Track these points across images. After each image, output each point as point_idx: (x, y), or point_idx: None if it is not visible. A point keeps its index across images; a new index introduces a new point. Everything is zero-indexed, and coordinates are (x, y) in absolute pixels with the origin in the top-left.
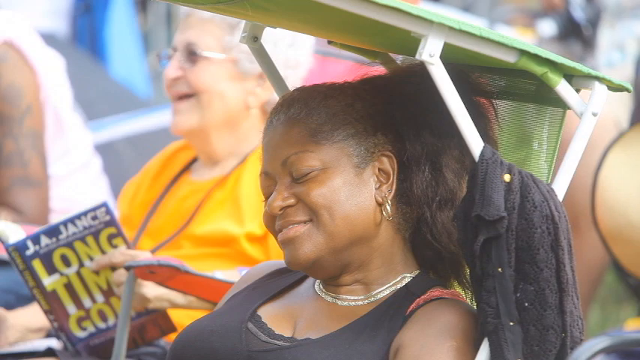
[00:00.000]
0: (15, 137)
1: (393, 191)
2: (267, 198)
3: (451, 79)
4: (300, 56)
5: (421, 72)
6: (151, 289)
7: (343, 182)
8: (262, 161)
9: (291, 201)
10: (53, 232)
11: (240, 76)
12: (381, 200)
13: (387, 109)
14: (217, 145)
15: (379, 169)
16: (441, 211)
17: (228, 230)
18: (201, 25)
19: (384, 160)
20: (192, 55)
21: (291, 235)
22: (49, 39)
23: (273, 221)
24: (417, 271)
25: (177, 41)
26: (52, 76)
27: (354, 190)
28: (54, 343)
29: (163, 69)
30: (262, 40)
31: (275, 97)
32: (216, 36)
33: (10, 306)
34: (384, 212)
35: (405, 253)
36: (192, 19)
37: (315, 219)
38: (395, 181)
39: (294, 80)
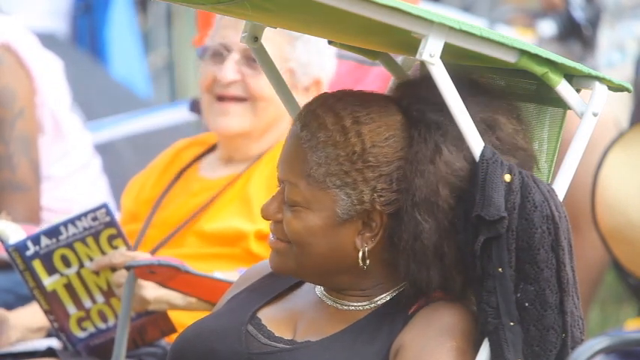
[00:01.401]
0: (5, 141)
1: (377, 241)
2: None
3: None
4: (312, 56)
5: None
6: (151, 291)
7: (321, 226)
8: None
9: (279, 217)
10: (53, 232)
11: (293, 86)
12: (359, 247)
13: (398, 163)
14: (251, 147)
15: (369, 217)
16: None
17: (239, 227)
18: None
19: (375, 214)
20: (253, 62)
21: (272, 246)
22: (49, 39)
23: None
24: None
25: (231, 42)
26: (49, 79)
27: (331, 236)
28: (54, 343)
29: (205, 60)
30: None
31: None
32: (277, 45)
33: (9, 306)
34: (362, 260)
35: (399, 276)
36: None
37: (290, 246)
38: (380, 233)
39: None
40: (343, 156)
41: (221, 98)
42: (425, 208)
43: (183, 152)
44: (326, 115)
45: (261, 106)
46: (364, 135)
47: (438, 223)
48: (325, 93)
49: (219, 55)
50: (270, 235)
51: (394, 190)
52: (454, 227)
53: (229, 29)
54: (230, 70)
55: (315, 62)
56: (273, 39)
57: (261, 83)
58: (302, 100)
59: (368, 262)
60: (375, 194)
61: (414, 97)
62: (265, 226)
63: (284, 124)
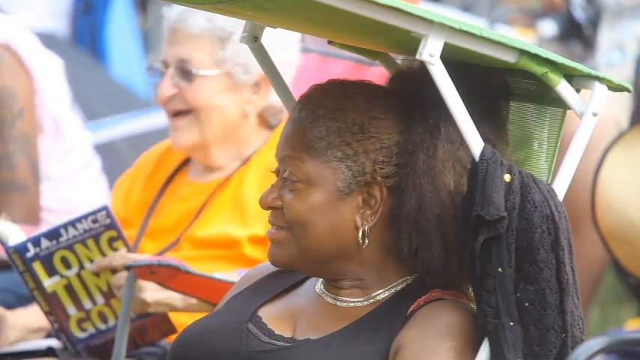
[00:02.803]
0: (5, 140)
1: (377, 219)
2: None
3: (452, 79)
4: (291, 57)
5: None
6: (151, 294)
7: (323, 203)
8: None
9: (278, 203)
10: (54, 234)
11: (235, 88)
12: (359, 226)
13: (398, 137)
14: (218, 156)
15: (368, 193)
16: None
17: (231, 233)
18: (191, 41)
19: (375, 187)
20: (186, 73)
21: (272, 237)
22: (49, 39)
23: None
24: (416, 274)
25: (167, 56)
26: (49, 79)
27: (333, 212)
28: (54, 343)
29: (155, 84)
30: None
31: (272, 101)
32: (207, 51)
33: (9, 306)
34: (362, 239)
35: (399, 263)
36: (181, 34)
37: (291, 230)
38: (380, 209)
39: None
40: (343, 127)
41: (171, 114)
42: (426, 180)
43: (169, 153)
44: (323, 95)
45: (204, 115)
46: (362, 108)
47: (439, 194)
48: (318, 83)
49: (161, 73)
50: (269, 229)
51: (395, 164)
52: (454, 203)
53: (165, 45)
54: (166, 86)
55: (253, 59)
56: (203, 46)
57: (197, 93)
58: (259, 98)
59: (367, 241)
60: (376, 166)
61: (412, 87)
62: (258, 229)
63: (247, 127)
